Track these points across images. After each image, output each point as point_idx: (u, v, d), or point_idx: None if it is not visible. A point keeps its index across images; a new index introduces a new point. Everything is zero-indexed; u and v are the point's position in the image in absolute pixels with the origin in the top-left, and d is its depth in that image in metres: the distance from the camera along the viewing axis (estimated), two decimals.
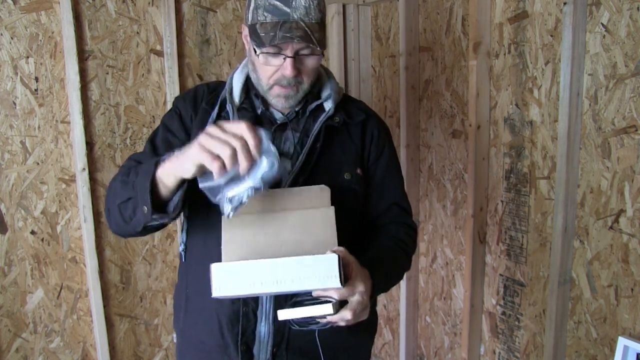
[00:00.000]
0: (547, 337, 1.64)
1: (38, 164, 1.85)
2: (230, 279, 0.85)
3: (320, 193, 1.00)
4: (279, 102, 1.06)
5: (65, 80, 1.84)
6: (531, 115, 1.68)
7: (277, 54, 0.98)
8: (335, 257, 0.86)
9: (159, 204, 0.90)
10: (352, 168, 1.11)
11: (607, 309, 1.50)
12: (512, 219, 1.80)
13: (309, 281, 0.85)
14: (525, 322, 1.79)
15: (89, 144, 1.92)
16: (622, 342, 1.40)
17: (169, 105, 2.05)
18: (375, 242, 1.12)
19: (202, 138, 0.81)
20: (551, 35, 1.58)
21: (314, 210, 0.98)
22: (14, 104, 1.78)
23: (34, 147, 1.83)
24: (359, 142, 1.14)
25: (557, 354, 1.62)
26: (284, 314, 0.89)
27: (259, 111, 1.10)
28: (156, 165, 0.88)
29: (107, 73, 1.94)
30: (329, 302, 0.88)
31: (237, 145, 0.79)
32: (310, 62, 1.02)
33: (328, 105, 1.11)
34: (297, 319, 0.90)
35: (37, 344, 1.90)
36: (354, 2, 2.38)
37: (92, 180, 1.93)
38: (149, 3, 2.00)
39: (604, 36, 1.43)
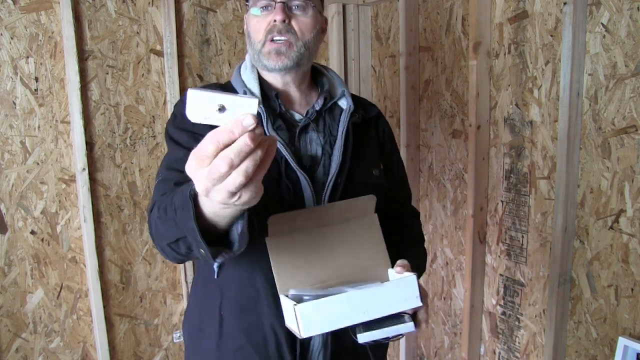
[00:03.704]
0: (547, 337, 1.64)
1: (38, 164, 1.85)
2: (317, 317, 0.83)
3: (367, 202, 0.97)
4: (271, 60, 1.00)
5: (65, 80, 1.84)
6: (531, 115, 1.68)
7: (267, 6, 0.99)
8: (414, 278, 0.87)
9: (218, 234, 0.75)
10: (377, 163, 1.10)
11: (607, 309, 1.50)
12: (512, 219, 1.80)
13: (393, 305, 0.86)
14: (525, 322, 1.79)
15: (89, 144, 1.92)
16: (622, 342, 1.40)
17: (169, 105, 2.05)
18: (407, 240, 1.14)
19: (190, 157, 0.59)
20: (551, 35, 1.58)
21: (358, 220, 0.96)
22: (14, 104, 1.78)
23: (34, 147, 1.83)
24: (375, 137, 1.13)
25: (557, 354, 1.62)
26: (364, 337, 0.88)
27: (277, 111, 1.05)
28: (195, 197, 0.69)
29: (107, 73, 1.94)
30: (403, 316, 0.89)
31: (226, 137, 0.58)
32: (303, 19, 1.01)
33: (344, 102, 1.09)
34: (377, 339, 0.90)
35: (37, 344, 1.90)
36: (354, 2, 2.38)
37: (92, 180, 1.93)
38: (149, 3, 2.00)
39: (604, 36, 1.43)
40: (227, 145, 0.55)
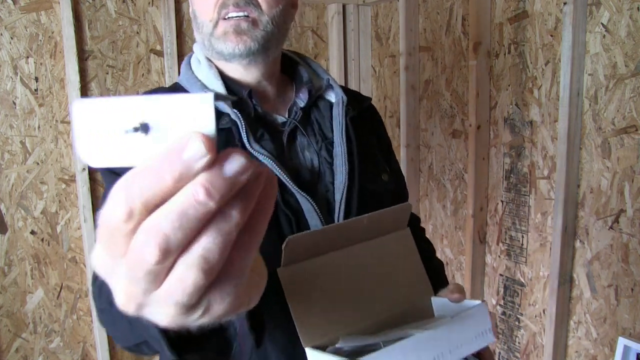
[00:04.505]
0: (547, 337, 1.64)
1: (38, 164, 1.85)
2: None
3: (401, 213, 0.76)
4: (229, 42, 0.75)
5: (65, 80, 1.84)
6: (531, 115, 1.68)
7: None
8: (485, 307, 0.70)
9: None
10: (385, 165, 0.90)
11: (607, 309, 1.50)
12: (512, 219, 1.80)
13: (466, 346, 0.68)
14: (525, 322, 1.79)
15: None
16: (622, 342, 1.40)
17: None
18: (425, 253, 0.90)
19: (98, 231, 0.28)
20: (551, 35, 1.58)
21: (390, 236, 0.76)
22: (14, 104, 1.78)
23: (34, 147, 1.83)
24: (374, 132, 0.93)
25: (557, 354, 1.62)
26: None
27: (252, 114, 0.79)
28: None
29: (107, 73, 1.94)
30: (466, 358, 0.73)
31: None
32: None
33: (333, 94, 0.86)
34: None
35: (37, 344, 1.90)
36: (354, 2, 2.38)
37: (92, 180, 1.93)
38: (149, 3, 2.00)
39: (604, 36, 1.43)
40: (156, 207, 0.25)
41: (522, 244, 1.77)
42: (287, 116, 0.82)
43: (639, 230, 1.40)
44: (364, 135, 0.87)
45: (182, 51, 2.09)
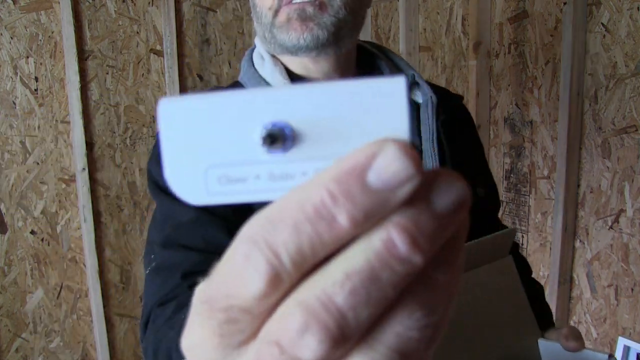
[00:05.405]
0: None
1: (38, 164, 1.85)
2: None
3: (503, 240, 0.66)
4: (293, 31, 0.63)
5: (65, 80, 1.84)
6: (531, 115, 1.68)
7: None
8: None
9: None
10: (482, 177, 0.79)
11: (607, 309, 1.50)
12: (512, 218, 1.80)
13: None
14: None
15: (89, 144, 1.92)
16: (622, 342, 1.40)
17: None
18: (527, 278, 0.78)
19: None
20: (551, 35, 1.58)
21: (486, 267, 0.65)
22: (14, 103, 1.78)
23: (33, 147, 1.83)
24: (469, 137, 0.81)
25: None
26: None
27: None
28: None
29: (107, 73, 1.94)
30: None
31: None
32: None
33: (419, 92, 0.73)
34: None
35: (37, 344, 1.90)
36: None
37: (92, 180, 1.93)
38: (149, 3, 2.00)
39: (604, 36, 1.43)
40: (310, 270, 0.15)
41: (522, 244, 1.77)
42: None
43: (639, 230, 1.40)
44: (457, 142, 0.73)
45: (182, 51, 2.09)
